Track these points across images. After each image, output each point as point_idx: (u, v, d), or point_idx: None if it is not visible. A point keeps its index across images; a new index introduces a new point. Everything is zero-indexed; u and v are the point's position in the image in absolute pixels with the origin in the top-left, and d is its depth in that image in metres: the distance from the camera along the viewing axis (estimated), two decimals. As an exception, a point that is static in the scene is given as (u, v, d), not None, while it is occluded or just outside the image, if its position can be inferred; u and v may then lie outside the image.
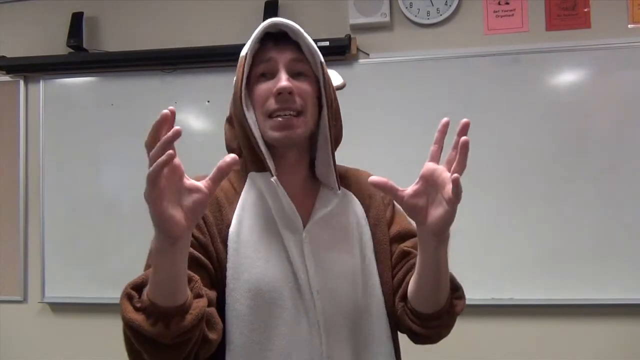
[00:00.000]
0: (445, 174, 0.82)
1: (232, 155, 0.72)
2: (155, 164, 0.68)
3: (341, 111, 1.04)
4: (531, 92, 2.44)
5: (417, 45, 2.56)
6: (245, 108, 0.94)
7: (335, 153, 1.01)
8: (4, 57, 2.81)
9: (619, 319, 2.37)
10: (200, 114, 2.71)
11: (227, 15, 2.72)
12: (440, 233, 0.84)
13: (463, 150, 0.79)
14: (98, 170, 2.76)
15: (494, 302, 2.41)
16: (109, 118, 2.76)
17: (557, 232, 2.38)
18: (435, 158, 0.87)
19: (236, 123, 0.99)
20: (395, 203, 1.04)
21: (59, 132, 2.80)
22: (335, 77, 1.06)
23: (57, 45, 2.81)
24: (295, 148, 0.98)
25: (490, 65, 2.47)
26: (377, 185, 0.83)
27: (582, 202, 2.37)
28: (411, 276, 0.96)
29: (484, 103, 2.46)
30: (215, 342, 0.86)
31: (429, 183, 0.84)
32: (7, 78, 2.87)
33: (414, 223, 0.89)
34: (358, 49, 2.56)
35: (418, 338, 0.99)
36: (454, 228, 0.87)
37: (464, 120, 0.83)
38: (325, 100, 0.97)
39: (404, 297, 0.98)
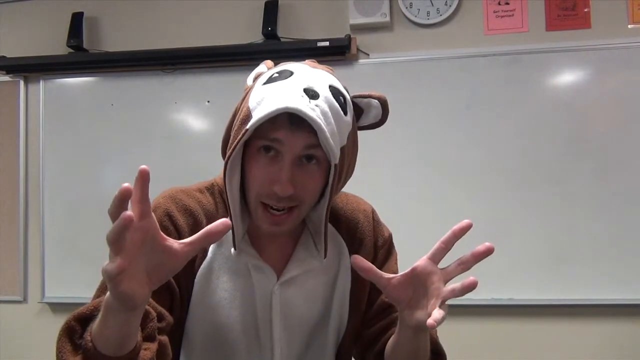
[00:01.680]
0: (439, 285, 0.76)
1: (225, 221, 0.65)
2: (115, 267, 0.60)
3: None
4: (531, 92, 2.44)
5: (417, 45, 2.55)
6: (227, 180, 0.83)
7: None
8: (4, 57, 2.81)
9: (619, 319, 2.36)
10: (200, 114, 2.71)
11: (227, 15, 2.72)
12: (419, 327, 0.78)
13: (468, 288, 0.76)
14: (98, 170, 2.76)
15: (494, 302, 2.41)
16: (109, 118, 2.76)
17: (557, 232, 2.38)
18: (438, 258, 0.79)
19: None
20: (391, 248, 1.04)
21: (59, 132, 2.80)
22: (371, 114, 0.90)
23: (57, 45, 2.81)
24: None
25: (490, 65, 2.47)
26: (359, 269, 0.78)
27: (582, 202, 2.37)
28: (390, 334, 0.92)
29: (484, 103, 2.46)
30: None
31: (419, 281, 0.78)
32: (7, 78, 2.87)
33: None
34: (358, 49, 2.56)
35: None
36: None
37: (465, 223, 0.81)
38: (330, 191, 0.84)
39: (379, 355, 0.94)
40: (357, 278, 0.94)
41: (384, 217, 1.08)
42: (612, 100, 2.39)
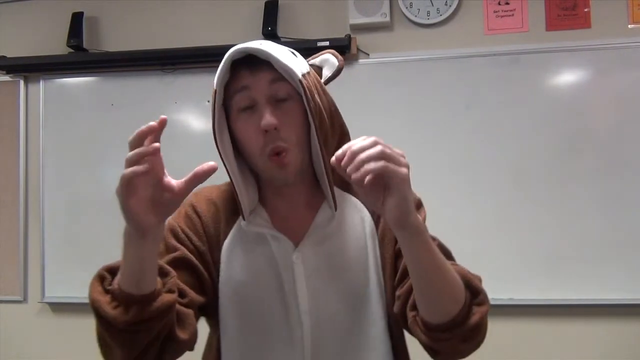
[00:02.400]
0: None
1: (211, 164, 0.73)
2: (131, 170, 0.69)
3: (341, 111, 0.98)
4: (531, 92, 2.44)
5: (417, 45, 2.55)
6: (221, 148, 0.92)
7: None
8: (4, 57, 2.81)
9: (619, 319, 2.37)
10: (200, 114, 2.71)
11: (227, 15, 2.72)
12: (399, 222, 0.77)
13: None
14: (98, 170, 2.75)
15: (494, 302, 2.38)
16: (109, 118, 2.76)
17: (557, 232, 2.38)
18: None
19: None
20: (420, 207, 1.04)
21: (59, 132, 2.80)
22: (329, 65, 0.99)
23: (57, 45, 2.81)
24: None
25: (490, 65, 2.47)
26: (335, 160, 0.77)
27: (582, 202, 2.37)
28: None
29: (484, 103, 2.46)
30: (185, 343, 0.85)
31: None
32: (7, 78, 2.87)
33: None
34: (358, 49, 2.56)
35: (432, 353, 0.89)
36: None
37: None
38: (312, 119, 0.88)
39: (415, 306, 0.88)
40: (382, 242, 0.96)
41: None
42: (612, 100, 2.39)
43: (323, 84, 0.96)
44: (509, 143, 2.44)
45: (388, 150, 0.75)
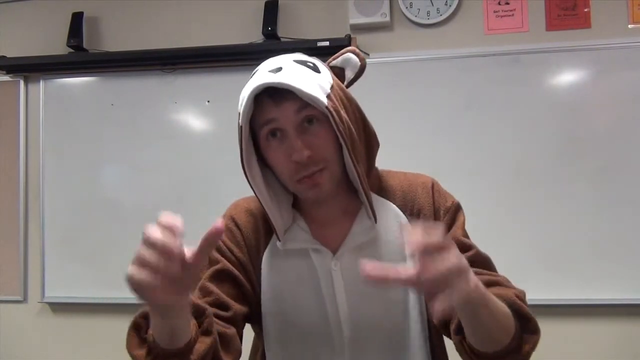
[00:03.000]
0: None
1: (218, 225, 0.62)
2: (139, 281, 0.61)
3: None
4: (531, 92, 2.44)
5: (417, 45, 2.55)
6: (252, 181, 0.91)
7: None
8: (4, 57, 2.81)
9: (619, 319, 2.37)
10: (200, 114, 2.71)
11: (227, 15, 2.72)
12: (463, 306, 0.70)
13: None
14: (98, 170, 2.75)
15: (494, 302, 2.40)
16: (109, 118, 2.76)
17: (557, 232, 2.38)
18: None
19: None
20: (456, 215, 1.01)
21: (59, 132, 2.80)
22: (351, 65, 0.99)
23: (57, 45, 2.81)
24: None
25: (490, 65, 2.47)
26: (372, 278, 0.65)
27: (582, 202, 2.37)
28: None
29: (484, 103, 2.46)
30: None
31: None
32: (7, 78, 2.87)
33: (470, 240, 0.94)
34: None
35: None
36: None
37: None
38: (343, 140, 0.88)
39: (460, 329, 0.82)
40: None
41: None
42: (612, 100, 2.39)
43: (347, 93, 0.96)
44: (509, 143, 2.44)
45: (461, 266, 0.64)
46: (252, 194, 0.95)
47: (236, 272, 0.94)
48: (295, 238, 0.95)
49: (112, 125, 2.75)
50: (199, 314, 0.79)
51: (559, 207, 2.39)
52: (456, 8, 2.53)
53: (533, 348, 0.81)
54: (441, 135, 2.48)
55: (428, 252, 0.61)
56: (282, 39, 2.59)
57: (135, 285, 0.61)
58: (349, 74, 1.00)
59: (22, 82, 2.86)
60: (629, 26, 2.43)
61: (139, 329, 0.77)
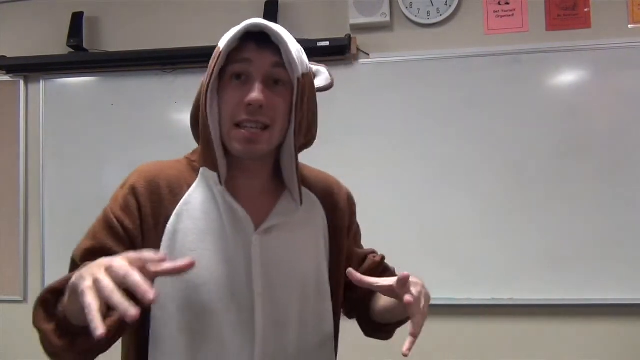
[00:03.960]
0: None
1: (190, 261, 0.66)
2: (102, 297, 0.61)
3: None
4: (531, 92, 2.44)
5: (417, 45, 2.55)
6: (209, 108, 0.88)
7: (315, 153, 1.05)
8: (4, 57, 2.81)
9: (619, 319, 2.37)
10: (200, 114, 2.71)
11: (227, 15, 2.72)
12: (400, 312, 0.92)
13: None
14: (98, 170, 2.75)
15: (493, 302, 2.41)
16: (109, 118, 2.76)
17: (557, 232, 2.38)
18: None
19: (200, 116, 0.92)
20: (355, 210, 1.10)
21: (59, 132, 2.80)
22: (322, 77, 1.00)
23: (57, 45, 2.81)
24: (257, 158, 0.94)
25: (490, 65, 2.47)
26: (357, 281, 0.88)
27: (582, 202, 2.37)
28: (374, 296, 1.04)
29: (484, 103, 2.46)
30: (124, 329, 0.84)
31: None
32: (7, 78, 2.87)
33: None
34: (358, 49, 2.56)
35: (372, 336, 1.09)
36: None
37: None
38: (295, 116, 0.90)
39: (366, 309, 1.05)
40: (333, 243, 1.01)
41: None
42: (612, 100, 2.39)
43: (314, 86, 0.97)
44: (509, 143, 2.44)
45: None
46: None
47: (115, 249, 0.86)
48: (218, 197, 0.92)
49: (112, 125, 2.75)
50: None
51: (558, 207, 2.39)
52: (456, 8, 2.53)
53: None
54: (441, 135, 2.48)
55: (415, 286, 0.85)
56: (282, 39, 2.59)
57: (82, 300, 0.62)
58: (318, 82, 1.00)
59: (22, 82, 2.86)
60: (629, 26, 2.43)
61: (46, 305, 0.79)
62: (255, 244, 0.91)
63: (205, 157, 0.92)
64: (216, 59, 0.89)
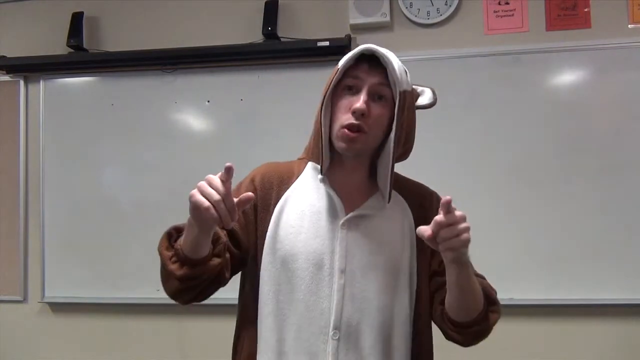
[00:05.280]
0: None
1: (249, 195, 0.92)
2: (207, 207, 0.86)
3: None
4: (531, 92, 2.44)
5: (417, 45, 2.55)
6: (323, 111, 1.08)
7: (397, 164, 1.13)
8: (4, 57, 2.81)
9: (619, 319, 2.37)
10: (200, 114, 2.71)
11: (227, 15, 2.72)
12: (454, 262, 0.98)
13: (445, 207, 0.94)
14: (98, 170, 2.75)
15: (494, 302, 2.40)
16: (109, 118, 2.76)
17: (557, 232, 2.38)
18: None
19: (315, 118, 1.12)
20: None
21: (59, 132, 2.80)
22: (426, 96, 1.16)
23: (57, 45, 2.81)
24: (354, 157, 1.11)
25: (490, 65, 2.47)
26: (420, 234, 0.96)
27: (582, 202, 2.37)
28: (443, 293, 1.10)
29: (484, 103, 2.46)
30: (227, 280, 1.05)
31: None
32: (7, 78, 2.87)
33: None
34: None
35: (451, 339, 1.12)
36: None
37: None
38: (395, 127, 1.07)
39: (443, 301, 1.09)
40: (420, 244, 1.10)
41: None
42: (612, 100, 2.39)
43: (414, 105, 1.13)
44: (509, 143, 2.44)
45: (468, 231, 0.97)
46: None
47: (239, 233, 1.09)
48: (320, 185, 1.12)
49: (112, 125, 2.75)
50: (214, 240, 0.99)
51: (558, 207, 2.39)
52: (456, 8, 2.53)
53: (495, 322, 1.12)
54: (441, 135, 2.47)
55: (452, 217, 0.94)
56: (282, 39, 2.59)
57: (194, 203, 0.87)
58: (421, 101, 1.16)
59: (22, 82, 2.86)
60: (629, 26, 2.43)
61: (170, 237, 1.01)
62: (343, 228, 1.08)
63: (314, 152, 1.13)
64: (334, 74, 1.09)
